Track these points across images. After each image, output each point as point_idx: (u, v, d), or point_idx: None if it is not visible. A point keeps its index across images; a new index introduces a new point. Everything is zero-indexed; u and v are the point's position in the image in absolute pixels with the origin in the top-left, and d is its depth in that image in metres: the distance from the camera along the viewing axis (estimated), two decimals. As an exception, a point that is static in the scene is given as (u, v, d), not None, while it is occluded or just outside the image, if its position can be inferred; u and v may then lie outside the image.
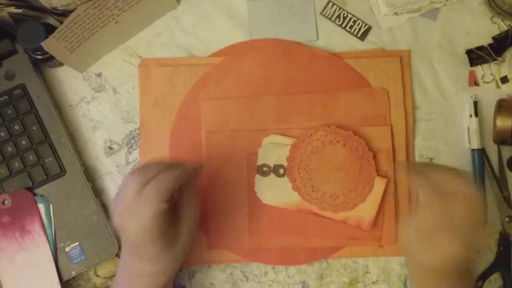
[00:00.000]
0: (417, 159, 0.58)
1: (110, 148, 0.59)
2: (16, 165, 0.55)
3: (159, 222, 0.42)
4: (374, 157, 0.56)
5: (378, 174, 0.56)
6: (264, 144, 0.56)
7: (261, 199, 0.56)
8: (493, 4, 0.60)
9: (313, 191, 0.55)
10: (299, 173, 0.55)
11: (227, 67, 0.58)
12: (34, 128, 0.56)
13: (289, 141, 0.56)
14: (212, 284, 0.57)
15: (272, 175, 0.56)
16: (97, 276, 0.57)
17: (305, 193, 0.55)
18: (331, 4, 0.61)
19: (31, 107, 0.56)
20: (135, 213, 0.42)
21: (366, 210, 0.55)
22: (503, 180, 0.59)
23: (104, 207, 0.57)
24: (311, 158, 0.55)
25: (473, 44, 0.60)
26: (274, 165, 0.56)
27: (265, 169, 0.56)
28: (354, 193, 0.55)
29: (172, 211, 0.45)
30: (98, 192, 0.57)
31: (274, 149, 0.56)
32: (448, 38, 0.61)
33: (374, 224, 0.55)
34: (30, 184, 0.55)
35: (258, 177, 0.56)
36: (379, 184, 0.55)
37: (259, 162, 0.56)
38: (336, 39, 0.60)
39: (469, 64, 0.60)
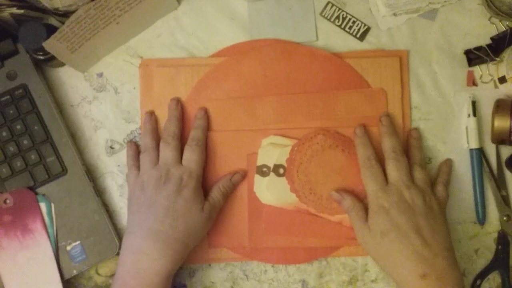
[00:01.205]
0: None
1: (111, 147, 0.59)
2: (18, 165, 0.56)
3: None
4: None
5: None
6: (263, 145, 0.57)
7: (260, 199, 0.56)
8: (491, 5, 0.60)
9: (310, 193, 0.55)
10: (297, 176, 0.55)
11: (227, 68, 0.59)
12: (36, 128, 0.56)
13: (288, 142, 0.56)
14: (213, 282, 0.57)
15: (272, 174, 0.56)
16: (99, 274, 0.57)
17: (302, 195, 0.55)
18: (330, 5, 0.61)
19: (33, 107, 0.57)
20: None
21: None
22: (501, 180, 0.59)
23: (106, 206, 0.57)
24: (311, 161, 0.55)
25: (472, 44, 0.61)
26: (274, 165, 0.56)
27: (264, 169, 0.56)
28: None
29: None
30: (99, 192, 0.58)
31: (274, 150, 0.56)
32: (447, 38, 0.61)
33: None
34: (32, 183, 0.55)
35: (257, 177, 0.56)
36: None
37: (259, 163, 0.56)
38: (335, 40, 0.61)
39: (467, 64, 0.61)
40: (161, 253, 0.49)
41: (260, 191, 0.56)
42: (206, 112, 0.57)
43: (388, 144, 0.54)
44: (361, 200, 0.54)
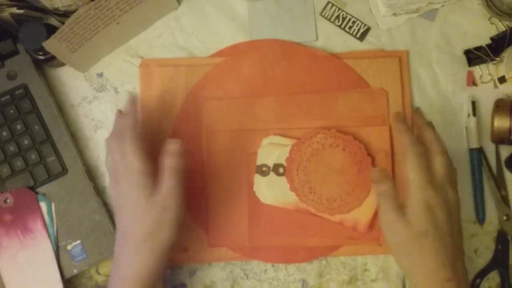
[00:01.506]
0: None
1: (112, 147, 0.59)
2: (18, 164, 0.56)
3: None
4: (373, 161, 0.56)
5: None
6: (263, 145, 0.57)
7: (260, 198, 0.56)
8: (491, 5, 0.60)
9: (310, 193, 0.55)
10: (297, 175, 0.55)
11: (227, 68, 0.59)
12: (36, 127, 0.56)
13: (288, 141, 0.56)
14: (213, 282, 0.57)
15: (271, 174, 0.56)
16: (99, 274, 0.57)
17: (302, 195, 0.55)
18: (330, 5, 0.61)
19: (33, 107, 0.57)
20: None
21: (362, 213, 0.55)
22: (501, 179, 0.59)
23: (106, 206, 0.57)
24: (310, 160, 0.55)
25: (471, 44, 0.61)
26: (274, 164, 0.56)
27: (264, 168, 0.56)
28: (351, 197, 0.55)
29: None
30: (99, 191, 0.58)
31: (274, 150, 0.56)
32: (447, 38, 0.61)
33: (371, 226, 0.56)
34: (32, 183, 0.56)
35: (257, 176, 0.56)
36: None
37: (259, 162, 0.56)
38: (335, 40, 0.61)
39: (467, 64, 0.61)
40: (127, 256, 0.46)
41: (260, 190, 0.56)
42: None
43: (432, 135, 0.50)
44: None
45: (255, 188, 0.56)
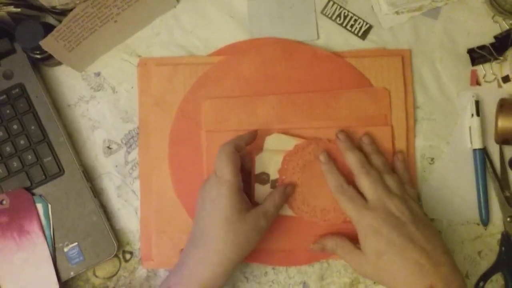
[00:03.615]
0: (418, 159, 0.58)
1: (109, 148, 0.58)
2: (15, 165, 0.55)
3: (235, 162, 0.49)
4: None
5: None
6: (265, 145, 0.55)
7: None
8: (495, 3, 0.59)
9: (303, 204, 0.54)
10: (295, 185, 0.54)
11: (227, 67, 0.58)
12: (33, 127, 0.56)
13: (293, 140, 0.55)
14: (212, 284, 0.56)
15: (268, 185, 0.55)
16: (96, 276, 0.56)
17: (295, 206, 0.54)
18: (331, 3, 0.61)
19: (30, 106, 0.56)
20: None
21: None
22: (505, 180, 0.58)
23: (103, 207, 0.57)
24: (303, 171, 0.54)
25: (475, 43, 0.60)
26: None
27: (263, 176, 0.54)
28: None
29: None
30: (97, 192, 0.57)
31: (272, 157, 0.55)
32: (450, 37, 0.60)
33: None
34: (28, 184, 0.55)
35: (258, 186, 0.55)
36: None
37: (257, 171, 0.55)
38: (336, 38, 0.60)
39: (470, 63, 0.60)
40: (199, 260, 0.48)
41: (260, 201, 0.54)
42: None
43: (353, 159, 0.52)
44: (342, 234, 0.53)
45: (256, 198, 0.54)
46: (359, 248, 0.50)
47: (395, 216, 0.49)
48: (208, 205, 0.48)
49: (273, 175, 0.54)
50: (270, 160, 0.55)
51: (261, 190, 0.54)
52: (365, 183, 0.51)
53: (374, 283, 0.56)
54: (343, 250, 0.51)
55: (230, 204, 0.47)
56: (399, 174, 0.54)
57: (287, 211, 0.55)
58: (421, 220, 0.49)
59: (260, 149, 0.55)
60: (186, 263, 0.48)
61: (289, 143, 0.55)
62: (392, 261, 0.47)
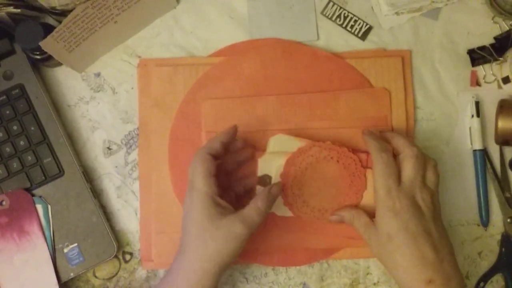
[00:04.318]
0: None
1: (109, 148, 0.58)
2: (14, 166, 0.55)
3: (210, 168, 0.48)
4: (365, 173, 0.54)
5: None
6: (269, 146, 0.55)
7: None
8: (495, 4, 0.59)
9: (303, 206, 0.54)
10: (291, 190, 0.54)
11: (227, 67, 0.58)
12: (33, 128, 0.56)
13: (297, 142, 0.54)
14: (212, 285, 0.56)
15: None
16: (96, 277, 0.56)
17: (295, 208, 0.54)
18: (331, 3, 0.61)
19: (30, 107, 0.56)
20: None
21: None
22: (505, 181, 0.58)
23: (103, 208, 0.57)
24: (304, 174, 0.54)
25: (475, 44, 0.60)
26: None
27: (266, 179, 0.54)
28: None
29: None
30: (96, 193, 0.57)
31: (274, 159, 0.54)
32: (450, 38, 0.60)
33: None
34: (28, 184, 0.55)
35: (259, 188, 0.54)
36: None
37: (260, 173, 0.54)
38: (336, 39, 0.60)
39: (470, 64, 0.60)
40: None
41: None
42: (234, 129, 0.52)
43: (402, 140, 0.51)
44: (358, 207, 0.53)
45: None
46: (372, 222, 0.50)
47: (418, 206, 0.49)
48: (184, 214, 0.49)
49: (275, 177, 0.54)
50: (273, 163, 0.54)
51: None
52: (409, 166, 0.49)
53: (374, 283, 0.56)
54: (359, 222, 0.51)
55: (200, 212, 0.46)
56: (402, 146, 0.52)
57: (287, 212, 0.54)
58: (439, 218, 0.50)
59: (263, 150, 0.55)
60: (169, 270, 0.48)
61: (293, 144, 0.55)
62: (400, 247, 0.47)
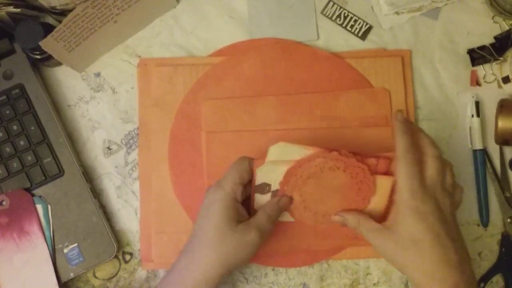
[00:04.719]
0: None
1: (109, 148, 0.58)
2: (14, 166, 0.55)
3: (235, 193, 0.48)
4: (376, 163, 0.52)
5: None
6: (269, 155, 0.50)
7: None
8: (495, 4, 0.59)
9: (305, 211, 0.52)
10: (292, 196, 0.51)
11: (227, 67, 0.58)
12: (32, 128, 0.56)
13: (299, 150, 0.50)
14: (212, 285, 0.56)
15: (268, 195, 0.52)
16: (96, 277, 0.56)
17: (296, 214, 0.52)
18: (331, 3, 0.61)
19: (29, 107, 0.56)
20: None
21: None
22: (505, 181, 0.58)
23: (103, 208, 0.57)
24: (306, 183, 0.50)
25: (475, 43, 0.60)
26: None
27: (265, 186, 0.51)
28: None
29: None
30: (96, 193, 0.57)
31: (274, 168, 0.50)
32: (450, 37, 0.60)
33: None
34: (28, 184, 0.55)
35: (257, 196, 0.52)
36: (383, 184, 0.50)
37: (258, 182, 0.51)
38: (336, 39, 0.60)
39: (470, 64, 0.60)
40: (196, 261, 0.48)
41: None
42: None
43: (427, 140, 0.48)
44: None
45: (256, 207, 0.52)
46: (385, 226, 0.47)
47: (441, 208, 0.47)
48: (203, 211, 0.48)
49: (275, 185, 0.51)
50: (272, 172, 0.51)
51: (261, 200, 0.52)
52: (434, 165, 0.47)
53: (374, 284, 0.56)
54: (365, 227, 0.48)
55: (222, 212, 0.47)
56: (426, 145, 0.49)
57: (288, 218, 0.53)
58: (456, 221, 0.48)
59: (263, 157, 0.51)
60: (176, 267, 0.48)
61: (295, 152, 0.50)
62: (425, 251, 0.45)
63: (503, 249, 0.57)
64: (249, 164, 0.49)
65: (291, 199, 0.51)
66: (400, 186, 0.47)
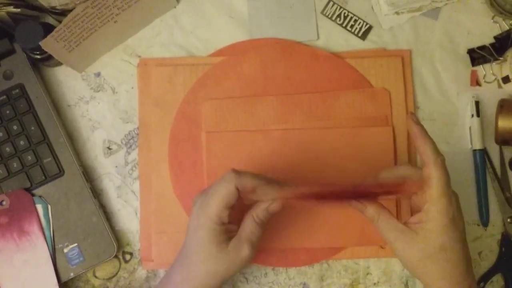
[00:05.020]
0: (418, 159, 0.58)
1: (109, 148, 0.58)
2: (15, 166, 0.55)
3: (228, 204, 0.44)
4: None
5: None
6: None
7: None
8: (495, 4, 0.59)
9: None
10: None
11: (227, 67, 0.58)
12: (33, 128, 0.56)
13: None
14: (212, 285, 0.56)
15: None
16: (96, 277, 0.56)
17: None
18: (331, 3, 0.61)
19: (30, 107, 0.56)
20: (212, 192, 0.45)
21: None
22: (505, 181, 0.58)
23: (103, 208, 0.57)
24: None
25: (475, 43, 0.60)
26: None
27: None
28: None
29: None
30: (96, 193, 0.57)
31: None
32: (450, 37, 0.60)
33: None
34: (28, 184, 0.55)
35: None
36: None
37: None
38: (336, 39, 0.60)
39: (470, 64, 0.60)
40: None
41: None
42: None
43: (431, 144, 0.45)
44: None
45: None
46: (410, 228, 0.45)
47: (460, 212, 0.46)
48: (191, 232, 0.46)
49: None
50: None
51: None
52: (444, 170, 0.44)
53: (374, 283, 0.56)
54: (387, 224, 0.46)
55: (209, 239, 0.45)
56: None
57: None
58: None
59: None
60: (171, 278, 0.47)
61: None
62: (453, 258, 0.44)
63: (503, 249, 0.57)
64: (238, 182, 0.44)
65: (282, 204, 0.46)
66: (438, 192, 0.44)
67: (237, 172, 0.45)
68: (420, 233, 0.44)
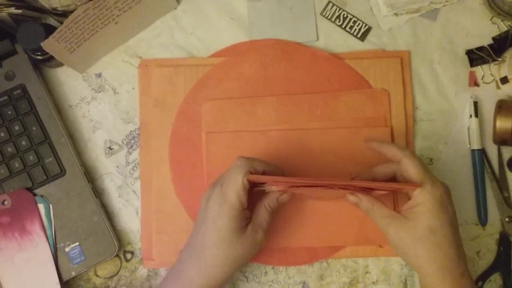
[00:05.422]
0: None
1: (110, 148, 0.59)
2: (16, 166, 0.55)
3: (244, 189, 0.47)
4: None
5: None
6: None
7: None
8: (493, 5, 0.60)
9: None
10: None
11: (227, 68, 0.58)
12: (34, 128, 0.56)
13: None
14: (212, 284, 0.57)
15: None
16: (97, 276, 0.57)
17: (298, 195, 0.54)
18: (331, 4, 0.61)
19: (31, 107, 0.56)
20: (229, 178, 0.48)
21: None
22: (503, 181, 0.59)
23: (104, 207, 0.57)
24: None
25: (473, 44, 0.60)
26: None
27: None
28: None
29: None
30: (98, 193, 0.57)
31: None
32: (448, 38, 0.61)
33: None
34: (30, 184, 0.55)
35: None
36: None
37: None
38: (336, 40, 0.60)
39: (469, 65, 0.60)
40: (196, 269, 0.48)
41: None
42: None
43: (393, 145, 0.52)
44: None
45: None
46: (400, 213, 0.48)
47: (449, 198, 0.48)
48: (209, 222, 0.48)
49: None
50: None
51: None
52: (417, 161, 0.48)
53: (373, 282, 0.57)
54: (379, 212, 0.49)
55: (230, 226, 0.47)
56: (400, 150, 0.51)
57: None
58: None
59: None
60: (184, 271, 0.48)
61: None
62: (443, 241, 0.46)
63: (501, 248, 0.58)
64: (250, 166, 0.48)
65: (291, 195, 0.51)
66: (419, 177, 0.47)
67: (246, 157, 0.49)
68: (410, 217, 0.47)
